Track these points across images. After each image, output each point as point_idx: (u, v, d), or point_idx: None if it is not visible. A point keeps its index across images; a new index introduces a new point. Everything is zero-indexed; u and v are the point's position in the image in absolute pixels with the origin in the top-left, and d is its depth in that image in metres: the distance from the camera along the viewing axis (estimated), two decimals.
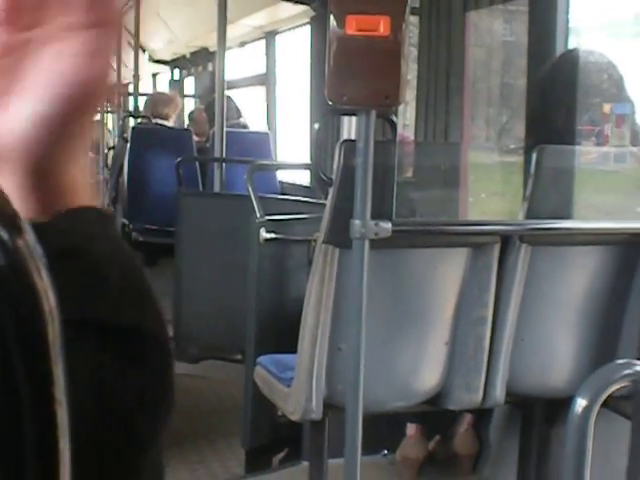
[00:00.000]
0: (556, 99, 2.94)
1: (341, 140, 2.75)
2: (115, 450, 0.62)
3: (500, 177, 3.43)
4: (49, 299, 0.46)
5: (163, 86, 11.21)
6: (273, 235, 3.44)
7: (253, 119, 7.39)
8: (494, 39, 4.07)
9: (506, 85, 4.12)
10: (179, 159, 5.28)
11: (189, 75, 10.14)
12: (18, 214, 0.47)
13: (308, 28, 5.99)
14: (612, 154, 2.91)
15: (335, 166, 2.56)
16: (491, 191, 3.32)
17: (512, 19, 4.04)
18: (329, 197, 2.59)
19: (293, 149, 7.28)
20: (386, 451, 3.52)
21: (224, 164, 5.24)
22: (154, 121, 6.50)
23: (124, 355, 0.65)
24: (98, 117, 9.48)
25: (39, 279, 0.46)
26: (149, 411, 0.67)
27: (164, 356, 0.70)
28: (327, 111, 2.91)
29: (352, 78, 2.26)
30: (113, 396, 0.62)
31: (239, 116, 6.66)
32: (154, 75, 12.08)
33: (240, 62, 8.15)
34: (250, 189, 3.65)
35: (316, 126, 2.88)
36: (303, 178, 6.26)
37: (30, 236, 0.46)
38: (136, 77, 7.83)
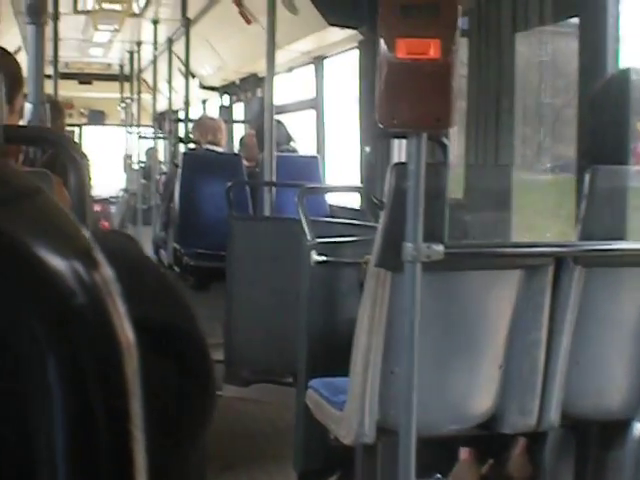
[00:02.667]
0: (608, 118, 2.92)
1: (392, 163, 2.76)
2: (152, 448, 0.62)
3: (538, 196, 3.42)
4: (126, 334, 0.46)
5: (213, 112, 11.29)
6: (324, 258, 3.44)
7: (302, 143, 7.42)
8: (529, 60, 4.07)
9: (542, 105, 4.11)
10: (229, 184, 5.30)
11: (238, 101, 10.21)
12: (93, 246, 0.47)
13: (355, 52, 6.02)
14: None
15: (386, 189, 2.56)
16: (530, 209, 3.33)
17: (548, 40, 4.04)
18: (380, 220, 2.59)
19: (342, 172, 7.30)
20: (439, 475, 3.48)
21: (274, 188, 5.27)
22: (204, 147, 6.56)
23: (162, 353, 0.66)
24: (151, 144, 9.59)
25: (116, 315, 0.46)
26: (188, 409, 0.67)
27: (200, 354, 0.71)
28: (378, 134, 2.92)
29: (402, 101, 2.27)
30: (151, 392, 0.63)
31: (289, 141, 6.69)
32: (203, 101, 12.19)
33: (288, 86, 8.19)
34: (301, 212, 3.65)
35: (367, 149, 2.89)
36: (353, 201, 6.27)
37: (106, 269, 0.46)
38: (187, 104, 7.91)
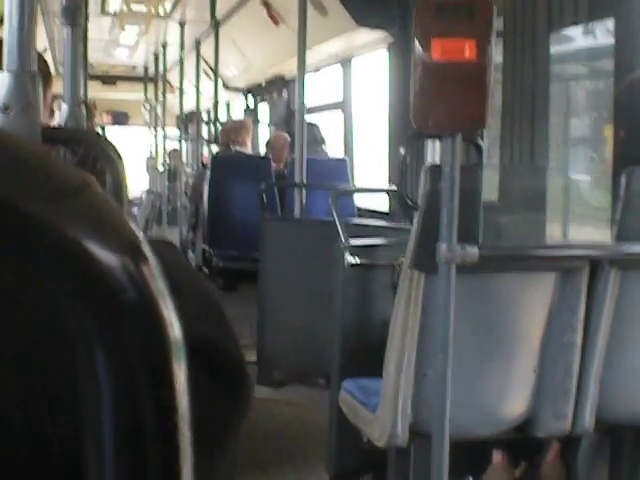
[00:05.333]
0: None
1: (427, 164, 2.75)
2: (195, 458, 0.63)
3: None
4: (174, 329, 0.46)
5: (237, 113, 11.34)
6: (358, 260, 3.44)
7: (328, 144, 7.42)
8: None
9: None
10: (262, 185, 5.30)
11: (263, 102, 10.23)
12: (141, 240, 0.46)
13: (381, 53, 6.02)
14: None
15: (421, 190, 2.55)
16: None
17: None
18: (415, 221, 2.59)
19: (369, 174, 7.29)
20: (471, 478, 3.47)
21: (304, 190, 5.27)
22: (233, 149, 6.57)
23: (204, 375, 0.65)
24: (177, 146, 9.65)
25: (165, 309, 0.46)
26: (224, 427, 0.67)
27: (241, 375, 0.71)
28: (412, 135, 2.91)
29: (437, 102, 2.26)
30: (195, 411, 0.63)
31: (323, 143, 6.70)
32: (228, 103, 12.23)
33: (314, 88, 8.19)
34: (335, 214, 3.65)
35: (401, 151, 2.88)
36: (380, 204, 6.26)
37: (154, 264, 0.46)
38: (216, 105, 7.92)
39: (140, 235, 0.47)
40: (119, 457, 0.44)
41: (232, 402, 0.70)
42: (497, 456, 3.37)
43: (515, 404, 2.69)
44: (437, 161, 2.84)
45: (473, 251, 2.35)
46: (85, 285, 0.43)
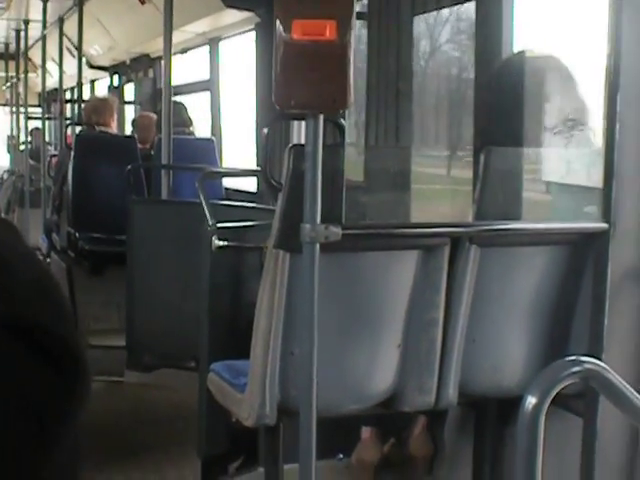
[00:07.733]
0: (503, 101, 2.96)
1: (290, 145, 2.75)
2: (16, 443, 0.61)
3: None
4: None
5: (102, 92, 11.12)
6: (225, 242, 3.42)
7: (196, 125, 7.36)
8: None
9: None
10: (129, 167, 5.21)
11: (129, 81, 10.05)
12: None
13: (253, 34, 5.99)
14: None
15: (284, 171, 2.56)
16: None
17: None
18: (279, 202, 2.59)
19: (237, 155, 7.26)
20: (341, 455, 3.51)
21: (171, 171, 5.21)
22: (98, 129, 6.44)
23: (28, 351, 0.64)
24: (39, 125, 9.36)
25: None
26: (54, 408, 0.66)
27: (71, 356, 0.69)
28: (275, 116, 2.90)
29: (299, 82, 2.26)
30: (15, 389, 0.61)
31: (190, 125, 6.63)
32: (92, 81, 11.98)
33: (182, 68, 8.10)
34: (202, 197, 3.61)
35: (265, 131, 2.87)
36: (248, 184, 6.24)
37: None
38: (80, 84, 7.74)
39: None
40: None
41: (61, 388, 0.68)
42: (366, 432, 3.42)
43: (381, 380, 2.73)
44: (302, 141, 2.84)
45: (336, 231, 2.37)
46: None
